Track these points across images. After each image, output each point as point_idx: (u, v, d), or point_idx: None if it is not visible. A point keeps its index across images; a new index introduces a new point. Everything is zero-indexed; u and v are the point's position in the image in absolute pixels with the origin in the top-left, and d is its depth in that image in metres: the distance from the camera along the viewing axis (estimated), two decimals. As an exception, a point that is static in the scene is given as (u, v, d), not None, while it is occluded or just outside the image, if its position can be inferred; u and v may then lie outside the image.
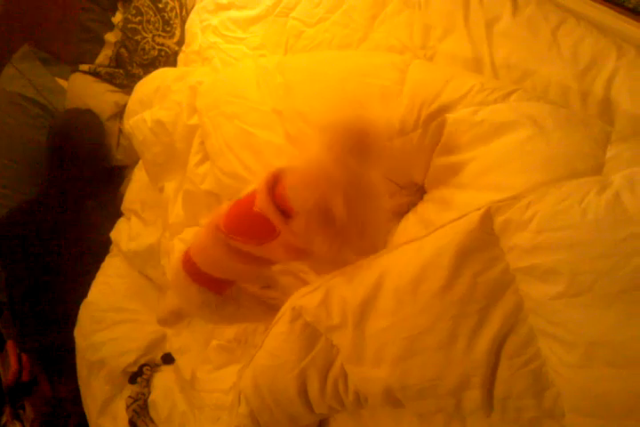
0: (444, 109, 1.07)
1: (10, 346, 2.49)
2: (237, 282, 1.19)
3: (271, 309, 1.19)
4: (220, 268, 1.12)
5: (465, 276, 0.83)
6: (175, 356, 1.77)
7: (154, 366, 1.83)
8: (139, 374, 1.83)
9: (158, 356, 1.83)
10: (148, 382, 1.80)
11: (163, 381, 1.76)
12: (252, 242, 1.06)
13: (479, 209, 0.85)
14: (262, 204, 1.00)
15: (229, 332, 1.53)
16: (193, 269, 1.14)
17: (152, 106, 1.98)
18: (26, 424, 2.35)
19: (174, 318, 1.41)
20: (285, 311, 1.05)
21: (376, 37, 1.44)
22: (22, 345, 2.41)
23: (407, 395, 0.91)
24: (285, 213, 0.99)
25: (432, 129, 1.07)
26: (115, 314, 1.95)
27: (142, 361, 1.85)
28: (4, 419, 2.54)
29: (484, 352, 0.83)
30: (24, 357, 2.41)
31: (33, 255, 2.27)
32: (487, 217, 0.84)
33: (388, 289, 0.89)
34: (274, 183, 1.02)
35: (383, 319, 0.90)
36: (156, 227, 1.91)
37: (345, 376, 1.01)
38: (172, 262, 1.43)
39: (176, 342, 1.78)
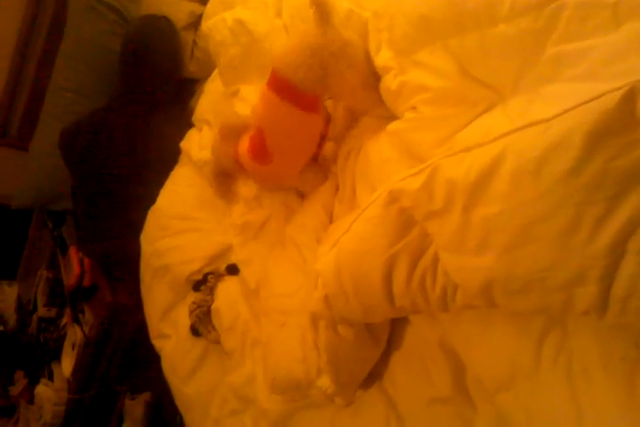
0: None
1: (73, 251, 2.53)
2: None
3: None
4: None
5: (596, 160, 0.74)
6: (240, 266, 1.75)
7: (218, 276, 1.81)
8: (203, 282, 1.82)
9: (223, 266, 1.80)
10: (212, 291, 1.79)
11: (227, 290, 1.74)
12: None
13: (620, 88, 0.75)
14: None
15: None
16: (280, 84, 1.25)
17: (234, 6, 1.89)
18: (84, 328, 2.40)
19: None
20: (381, 194, 0.99)
21: None
22: (85, 249, 2.43)
23: (510, 288, 0.84)
24: None
25: (547, 13, 0.96)
26: (181, 222, 1.93)
27: (207, 270, 1.83)
28: (64, 321, 2.61)
29: (608, 244, 0.74)
30: (86, 262, 2.43)
31: (100, 162, 2.27)
32: (629, 97, 0.74)
33: (506, 171, 0.82)
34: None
35: (495, 204, 0.83)
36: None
37: (435, 269, 0.96)
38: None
39: (241, 252, 1.76)
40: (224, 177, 1.62)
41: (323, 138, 1.46)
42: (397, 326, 1.22)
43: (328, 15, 1.21)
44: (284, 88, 1.25)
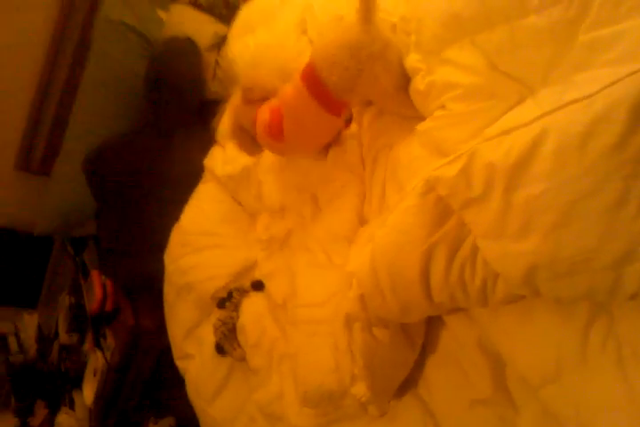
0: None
1: (95, 275, 2.52)
2: None
3: None
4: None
5: (642, 133, 0.72)
6: (265, 281, 1.72)
7: (243, 292, 1.78)
8: (228, 299, 1.78)
9: (248, 282, 1.77)
10: (237, 307, 1.76)
11: (252, 306, 1.71)
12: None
13: (664, 60, 0.74)
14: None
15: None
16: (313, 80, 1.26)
17: (255, 30, 1.92)
18: (106, 353, 2.36)
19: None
20: (417, 184, 0.97)
21: None
22: (108, 272, 2.42)
23: (556, 271, 0.81)
24: None
25: (578, 1, 0.95)
26: (206, 238, 1.92)
27: (231, 287, 1.81)
28: (87, 346, 2.58)
29: (658, 218, 0.72)
30: (109, 286, 2.42)
31: (124, 184, 2.28)
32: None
33: (548, 149, 0.79)
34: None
35: (538, 184, 0.80)
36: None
37: (474, 260, 0.93)
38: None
39: (266, 267, 1.74)
40: (243, 131, 1.58)
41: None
42: (432, 329, 1.18)
43: (373, 12, 1.20)
44: (316, 85, 1.25)
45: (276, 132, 1.41)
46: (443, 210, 0.95)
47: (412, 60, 1.26)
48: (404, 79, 1.28)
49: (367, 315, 1.10)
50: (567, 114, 0.80)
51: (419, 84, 1.23)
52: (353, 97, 1.31)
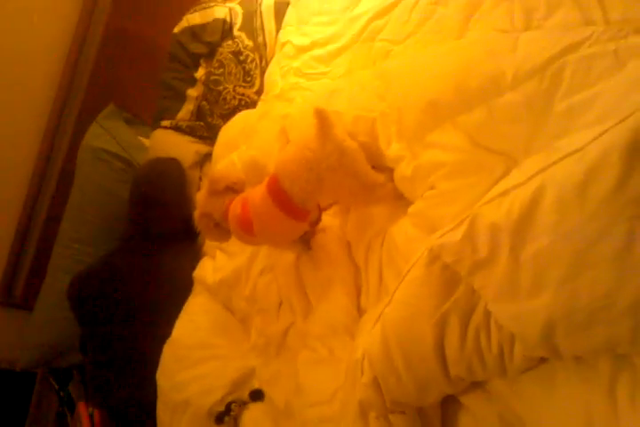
0: (564, 52, 1.04)
1: (81, 407, 2.40)
2: None
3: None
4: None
5: (638, 173, 0.75)
6: (265, 387, 1.66)
7: (242, 404, 1.70)
8: (226, 413, 1.70)
9: (246, 393, 1.70)
10: (236, 421, 1.67)
11: (252, 418, 1.63)
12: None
13: (644, 107, 0.79)
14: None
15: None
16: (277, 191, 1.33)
17: (238, 147, 2.00)
18: (96, 490, 2.19)
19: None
20: (421, 255, 0.98)
21: (473, 35, 1.45)
22: (97, 402, 2.30)
23: (573, 324, 0.80)
24: None
25: (550, 74, 1.03)
26: (199, 351, 1.86)
27: (229, 399, 1.73)
28: (74, 484, 2.39)
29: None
30: (96, 417, 2.30)
31: (111, 307, 2.24)
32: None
33: (548, 202, 0.82)
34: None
35: (543, 238, 0.82)
36: (243, 254, 1.86)
37: (488, 326, 0.92)
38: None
39: (265, 372, 1.68)
40: (209, 220, 1.61)
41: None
42: (449, 413, 1.13)
43: (328, 130, 1.28)
44: (280, 196, 1.33)
45: (248, 228, 1.46)
46: (450, 278, 0.95)
47: (395, 150, 1.32)
48: (369, 178, 1.34)
49: (382, 400, 1.05)
50: (562, 167, 0.83)
51: (404, 170, 1.28)
52: (318, 202, 1.41)
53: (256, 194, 1.42)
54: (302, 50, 2.15)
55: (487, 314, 0.92)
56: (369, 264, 1.37)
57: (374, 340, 1.02)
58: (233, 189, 1.57)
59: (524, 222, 0.84)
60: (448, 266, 0.94)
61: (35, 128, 2.87)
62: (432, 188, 1.20)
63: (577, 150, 0.82)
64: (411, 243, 1.20)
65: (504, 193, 0.90)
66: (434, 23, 1.59)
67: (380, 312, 1.04)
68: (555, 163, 0.85)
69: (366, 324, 1.19)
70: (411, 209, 1.23)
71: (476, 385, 1.04)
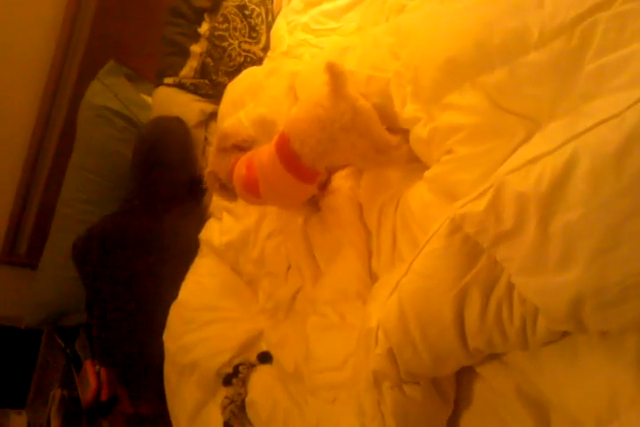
0: (596, 8, 0.97)
1: (88, 365, 2.41)
2: None
3: None
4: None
5: (682, 142, 0.71)
6: (273, 350, 1.65)
7: (250, 366, 1.70)
8: (234, 375, 1.70)
9: (254, 355, 1.70)
10: (245, 383, 1.67)
11: (261, 380, 1.63)
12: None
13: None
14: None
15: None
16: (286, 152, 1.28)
17: (245, 105, 1.94)
18: (104, 445, 2.22)
19: None
20: (442, 224, 0.94)
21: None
22: (103, 360, 2.31)
23: (604, 300, 0.77)
24: None
25: (579, 32, 0.97)
26: (207, 313, 1.85)
27: (237, 361, 1.72)
28: (82, 440, 2.43)
29: None
30: (103, 374, 2.31)
31: (116, 268, 2.22)
32: None
33: (581, 172, 0.77)
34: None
35: (575, 210, 0.78)
36: (251, 216, 1.82)
37: (510, 299, 0.89)
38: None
39: (273, 336, 1.67)
40: (217, 179, 1.57)
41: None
42: (465, 382, 1.11)
43: (342, 87, 1.22)
44: (289, 157, 1.27)
45: (253, 189, 1.42)
46: (471, 250, 0.91)
47: (411, 111, 1.27)
48: (383, 140, 1.29)
49: (397, 371, 1.03)
50: (597, 135, 0.78)
51: (420, 132, 1.23)
52: (328, 165, 1.36)
53: (263, 154, 1.37)
54: (311, 4, 2.07)
55: (510, 286, 0.89)
56: (381, 228, 1.33)
57: (390, 311, 1.00)
58: (241, 147, 1.52)
59: (554, 193, 0.79)
60: (470, 237, 0.91)
61: (34, 85, 2.81)
62: (449, 152, 1.15)
63: (613, 116, 0.77)
64: (427, 209, 1.16)
65: (532, 160, 0.85)
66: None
67: (396, 282, 1.01)
68: (589, 129, 0.80)
69: (379, 291, 1.16)
70: (427, 173, 1.18)
71: (494, 356, 1.02)
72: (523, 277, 0.86)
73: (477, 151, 1.08)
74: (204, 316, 1.84)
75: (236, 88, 2.09)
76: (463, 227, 0.91)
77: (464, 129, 1.12)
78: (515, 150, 1.02)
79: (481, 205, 0.88)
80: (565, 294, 0.80)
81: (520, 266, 0.86)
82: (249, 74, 2.08)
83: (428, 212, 1.16)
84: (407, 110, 1.28)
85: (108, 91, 2.52)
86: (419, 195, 1.20)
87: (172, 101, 2.37)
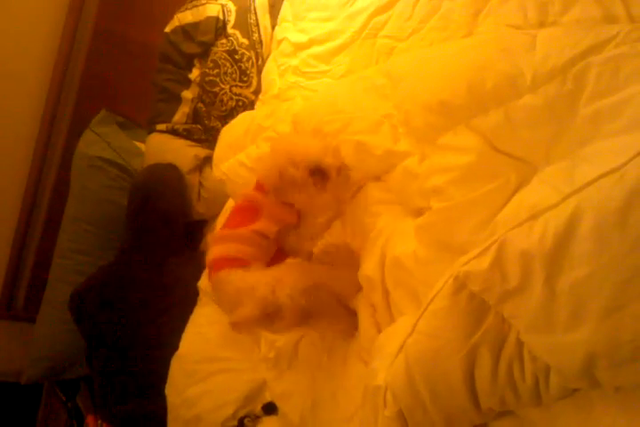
0: (587, 52, 0.96)
1: (90, 420, 2.36)
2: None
3: None
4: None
5: (683, 197, 0.69)
6: (278, 402, 1.60)
7: (255, 418, 1.65)
8: (239, 429, 1.65)
9: (258, 406, 1.66)
10: (250, 436, 1.62)
11: (267, 433, 1.58)
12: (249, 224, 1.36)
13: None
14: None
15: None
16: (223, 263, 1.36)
17: (245, 148, 1.92)
18: None
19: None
20: (446, 282, 0.91)
21: (482, 31, 1.37)
22: (104, 414, 2.26)
23: (617, 358, 0.74)
24: None
25: (572, 75, 0.96)
26: (209, 364, 1.81)
27: (241, 413, 1.68)
28: None
29: None
30: (106, 429, 2.25)
31: (115, 319, 2.18)
32: None
33: (586, 229, 0.75)
34: None
35: (582, 267, 0.75)
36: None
37: (521, 356, 0.85)
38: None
39: (277, 386, 1.62)
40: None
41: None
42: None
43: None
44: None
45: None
46: (478, 307, 0.88)
47: (404, 145, 1.27)
48: None
49: (407, 432, 0.99)
50: (599, 189, 0.76)
51: (412, 166, 1.24)
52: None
53: None
54: (300, 47, 2.07)
55: (520, 344, 0.86)
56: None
57: (398, 372, 0.96)
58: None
59: (559, 250, 0.77)
60: (475, 295, 0.88)
61: (26, 138, 2.80)
62: (440, 192, 1.12)
63: (614, 170, 0.75)
64: (424, 265, 1.12)
65: (535, 215, 0.83)
66: (439, 19, 1.51)
67: (401, 342, 0.98)
68: (590, 183, 0.78)
69: (384, 347, 1.13)
70: (418, 222, 1.16)
71: (507, 411, 0.98)
72: (532, 334, 0.83)
73: (471, 198, 1.05)
74: (206, 368, 1.80)
75: (232, 132, 2.07)
76: (468, 285, 0.88)
77: (458, 169, 1.10)
78: (512, 195, 1.01)
79: (485, 262, 0.86)
80: (577, 353, 0.77)
81: (528, 324, 0.83)
82: (245, 118, 2.07)
83: (426, 268, 1.12)
84: (401, 145, 1.28)
85: (100, 140, 2.52)
86: (410, 251, 1.17)
87: (166, 148, 2.36)
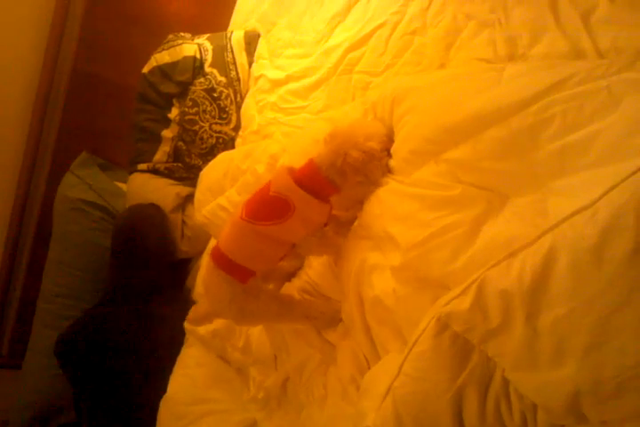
0: (552, 89, 0.98)
1: (78, 466, 2.29)
2: (258, 274, 1.34)
3: (282, 305, 1.40)
4: (247, 253, 1.29)
5: (657, 233, 0.69)
6: (270, 442, 1.58)
7: (246, 461, 1.62)
8: (232, 473, 1.62)
9: (250, 448, 1.63)
10: (243, 480, 1.59)
11: (258, 476, 1.55)
12: (275, 222, 1.24)
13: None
14: (281, 183, 1.24)
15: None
16: (222, 261, 1.29)
17: (224, 191, 1.92)
18: None
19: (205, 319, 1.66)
20: (428, 324, 0.91)
21: (455, 64, 1.39)
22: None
23: (601, 394, 0.73)
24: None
25: (535, 110, 0.97)
26: (198, 406, 1.78)
27: (233, 457, 1.65)
28: None
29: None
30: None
31: (102, 363, 2.15)
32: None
33: (562, 268, 0.75)
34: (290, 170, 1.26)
35: (560, 306, 0.75)
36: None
37: (507, 394, 0.85)
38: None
39: (268, 426, 1.60)
40: None
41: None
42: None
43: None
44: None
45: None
46: (462, 347, 0.88)
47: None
48: None
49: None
50: (572, 227, 0.77)
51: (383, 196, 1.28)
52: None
53: None
54: (277, 84, 2.10)
55: (505, 382, 0.85)
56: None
57: (386, 416, 0.95)
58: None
59: (537, 289, 0.77)
60: (459, 335, 0.88)
61: (7, 182, 2.78)
62: (407, 218, 1.14)
63: (586, 207, 0.76)
64: (404, 303, 1.11)
65: (512, 254, 0.83)
66: (412, 53, 1.54)
67: (388, 385, 0.96)
68: (563, 221, 0.78)
69: (371, 387, 1.11)
70: (394, 264, 1.15)
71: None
72: (517, 372, 0.83)
73: (440, 227, 1.06)
74: (195, 410, 1.77)
75: (210, 175, 2.06)
76: (450, 325, 0.88)
77: (427, 199, 1.12)
78: (482, 224, 1.01)
79: (466, 302, 0.85)
80: (562, 391, 0.76)
81: (512, 362, 0.82)
82: (224, 159, 2.06)
83: (406, 305, 1.12)
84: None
85: (82, 182, 2.51)
86: (389, 289, 1.16)
87: (148, 187, 2.36)
